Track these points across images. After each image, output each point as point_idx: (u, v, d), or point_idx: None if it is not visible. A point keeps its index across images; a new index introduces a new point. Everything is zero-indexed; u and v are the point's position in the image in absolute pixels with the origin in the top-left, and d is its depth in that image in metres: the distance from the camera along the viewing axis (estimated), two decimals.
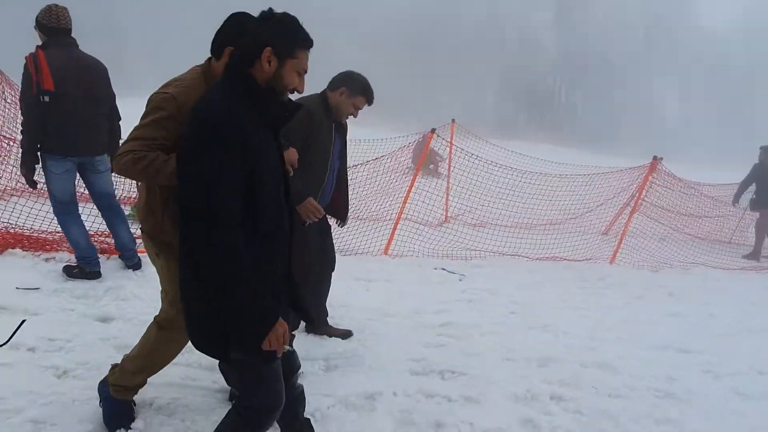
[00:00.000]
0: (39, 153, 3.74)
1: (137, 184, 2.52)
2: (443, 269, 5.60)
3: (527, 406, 3.05)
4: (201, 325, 1.83)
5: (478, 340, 3.87)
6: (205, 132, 1.68)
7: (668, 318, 4.91)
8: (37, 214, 4.82)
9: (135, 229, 4.08)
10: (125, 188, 5.97)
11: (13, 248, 4.27)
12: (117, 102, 4.06)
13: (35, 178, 3.85)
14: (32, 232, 4.75)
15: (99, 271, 4.03)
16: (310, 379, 3.00)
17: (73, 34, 3.83)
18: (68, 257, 4.18)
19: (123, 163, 2.09)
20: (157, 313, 2.42)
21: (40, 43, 3.75)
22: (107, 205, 4.10)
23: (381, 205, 7.06)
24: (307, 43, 1.83)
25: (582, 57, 40.84)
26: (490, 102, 40.54)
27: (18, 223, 4.81)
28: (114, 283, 3.98)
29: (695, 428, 3.05)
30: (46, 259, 4.22)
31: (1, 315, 3.31)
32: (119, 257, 4.28)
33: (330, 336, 3.58)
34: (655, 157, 7.02)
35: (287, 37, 1.79)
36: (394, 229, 6.14)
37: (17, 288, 3.63)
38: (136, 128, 2.15)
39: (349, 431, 2.61)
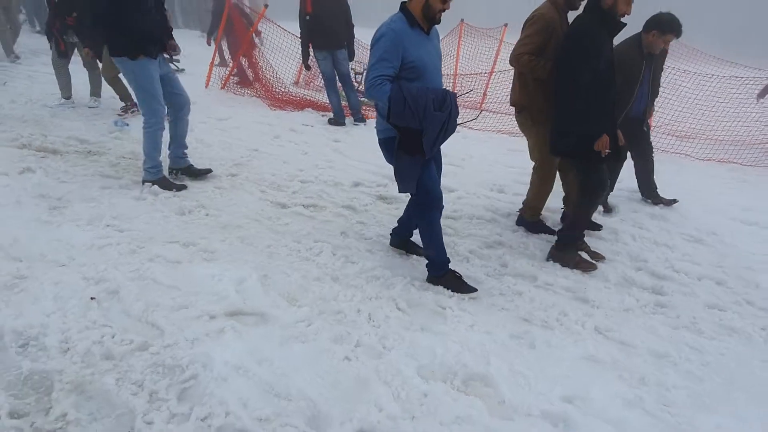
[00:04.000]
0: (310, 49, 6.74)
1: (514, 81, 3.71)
2: None
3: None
4: (562, 138, 3.32)
5: None
6: (577, 40, 3.10)
7: None
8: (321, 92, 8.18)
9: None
10: None
11: (308, 108, 7.70)
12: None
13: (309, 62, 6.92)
14: (318, 101, 8.22)
15: (344, 122, 7.05)
16: None
17: None
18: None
19: (521, 62, 3.39)
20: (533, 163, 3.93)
21: None
22: (345, 82, 7.03)
23: None
24: None
25: None
26: None
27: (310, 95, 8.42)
28: (350, 129, 6.93)
29: (685, 253, 3.78)
30: (322, 115, 7.48)
31: (292, 133, 6.58)
32: (351, 116, 7.19)
33: (656, 204, 4.62)
34: None
35: None
36: None
37: (303, 124, 6.94)
38: (525, 38, 3.40)
39: None
